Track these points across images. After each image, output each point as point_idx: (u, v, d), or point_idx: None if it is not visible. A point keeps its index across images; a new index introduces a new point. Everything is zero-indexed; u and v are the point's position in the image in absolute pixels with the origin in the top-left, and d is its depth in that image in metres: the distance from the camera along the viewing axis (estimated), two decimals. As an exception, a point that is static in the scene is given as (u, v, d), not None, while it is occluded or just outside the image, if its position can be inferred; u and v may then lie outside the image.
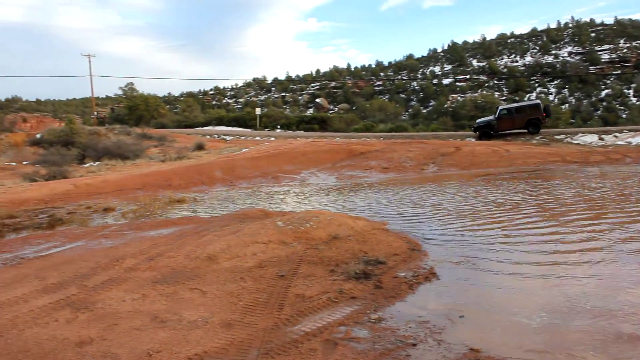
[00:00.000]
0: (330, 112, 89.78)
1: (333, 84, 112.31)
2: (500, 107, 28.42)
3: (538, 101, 31.09)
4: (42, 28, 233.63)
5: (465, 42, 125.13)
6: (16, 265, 6.82)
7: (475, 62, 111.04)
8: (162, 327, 4.48)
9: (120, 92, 79.82)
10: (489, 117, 28.75)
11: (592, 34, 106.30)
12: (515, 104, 29.61)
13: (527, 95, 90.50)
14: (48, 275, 6.16)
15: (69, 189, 14.40)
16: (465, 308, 4.81)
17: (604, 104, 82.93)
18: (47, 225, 9.97)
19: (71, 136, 30.38)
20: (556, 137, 29.78)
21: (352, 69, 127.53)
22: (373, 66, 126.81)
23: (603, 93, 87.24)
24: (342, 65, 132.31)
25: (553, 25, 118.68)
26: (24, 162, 27.33)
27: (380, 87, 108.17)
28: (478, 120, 28.51)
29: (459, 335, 4.20)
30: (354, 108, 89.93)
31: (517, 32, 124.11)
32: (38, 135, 34.08)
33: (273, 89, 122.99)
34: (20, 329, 4.48)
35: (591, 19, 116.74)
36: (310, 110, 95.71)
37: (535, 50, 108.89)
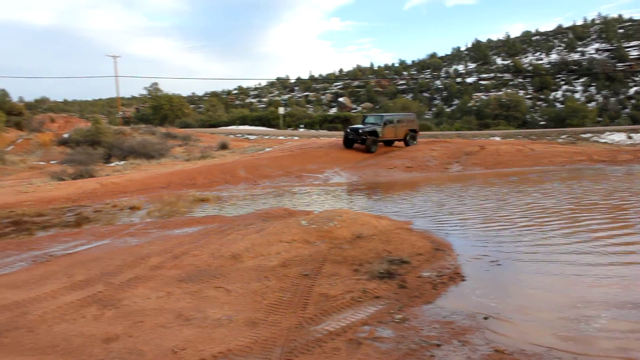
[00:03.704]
0: (354, 111, 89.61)
1: (356, 83, 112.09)
2: (384, 115, 25.94)
3: (414, 114, 30.36)
4: (70, 30, 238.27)
5: (489, 40, 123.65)
6: (45, 262, 6.95)
7: (499, 60, 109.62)
8: (187, 324, 4.52)
9: (145, 92, 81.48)
10: (368, 127, 25.48)
11: (620, 30, 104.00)
12: (398, 115, 27.66)
13: (553, 94, 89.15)
14: (75, 272, 6.26)
15: (95, 188, 14.63)
16: (490, 309, 4.75)
17: (633, 101, 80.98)
18: (74, 224, 10.15)
19: (97, 136, 30.91)
20: (582, 135, 29.30)
21: (376, 68, 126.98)
22: (396, 65, 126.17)
23: (631, 90, 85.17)
24: (366, 64, 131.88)
25: (579, 22, 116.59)
26: (52, 162, 27.92)
27: (404, 86, 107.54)
28: (359, 127, 25.32)
29: (483, 336, 4.14)
30: (377, 107, 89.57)
31: (542, 30, 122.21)
32: (65, 135, 34.75)
33: (296, 88, 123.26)
34: (49, 325, 4.57)
35: (619, 15, 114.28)
36: (334, 110, 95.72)
37: (560, 48, 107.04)
